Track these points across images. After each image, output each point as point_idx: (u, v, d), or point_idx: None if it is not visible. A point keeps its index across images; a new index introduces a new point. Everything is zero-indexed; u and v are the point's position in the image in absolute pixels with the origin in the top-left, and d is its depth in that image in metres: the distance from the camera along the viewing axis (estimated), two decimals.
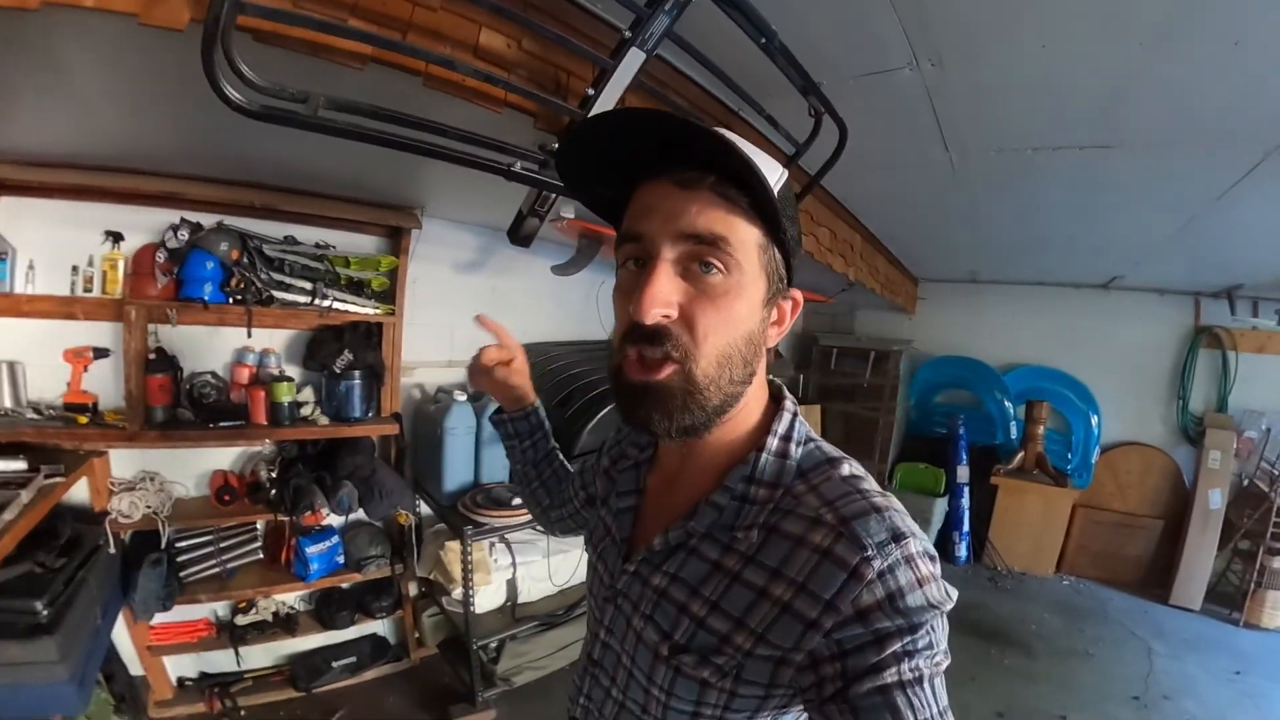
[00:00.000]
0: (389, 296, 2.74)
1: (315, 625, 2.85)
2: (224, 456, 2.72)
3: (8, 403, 2.17)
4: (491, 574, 2.82)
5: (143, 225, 2.35)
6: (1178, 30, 1.34)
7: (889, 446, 4.98)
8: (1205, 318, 4.38)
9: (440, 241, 3.01)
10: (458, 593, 2.71)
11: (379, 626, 3.06)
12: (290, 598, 2.89)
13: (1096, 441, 4.63)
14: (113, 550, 2.28)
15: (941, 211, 3.08)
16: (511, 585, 2.91)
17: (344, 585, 2.85)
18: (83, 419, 2.24)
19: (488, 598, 2.83)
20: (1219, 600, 4.09)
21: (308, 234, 2.64)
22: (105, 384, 2.38)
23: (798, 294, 0.71)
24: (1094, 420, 4.63)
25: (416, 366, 3.06)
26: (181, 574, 2.51)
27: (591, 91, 1.25)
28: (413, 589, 3.04)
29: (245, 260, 2.41)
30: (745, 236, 0.63)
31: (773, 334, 0.70)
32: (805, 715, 0.69)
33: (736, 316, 0.64)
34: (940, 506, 4.54)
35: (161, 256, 2.28)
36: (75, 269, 2.28)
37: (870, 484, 0.67)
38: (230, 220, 2.44)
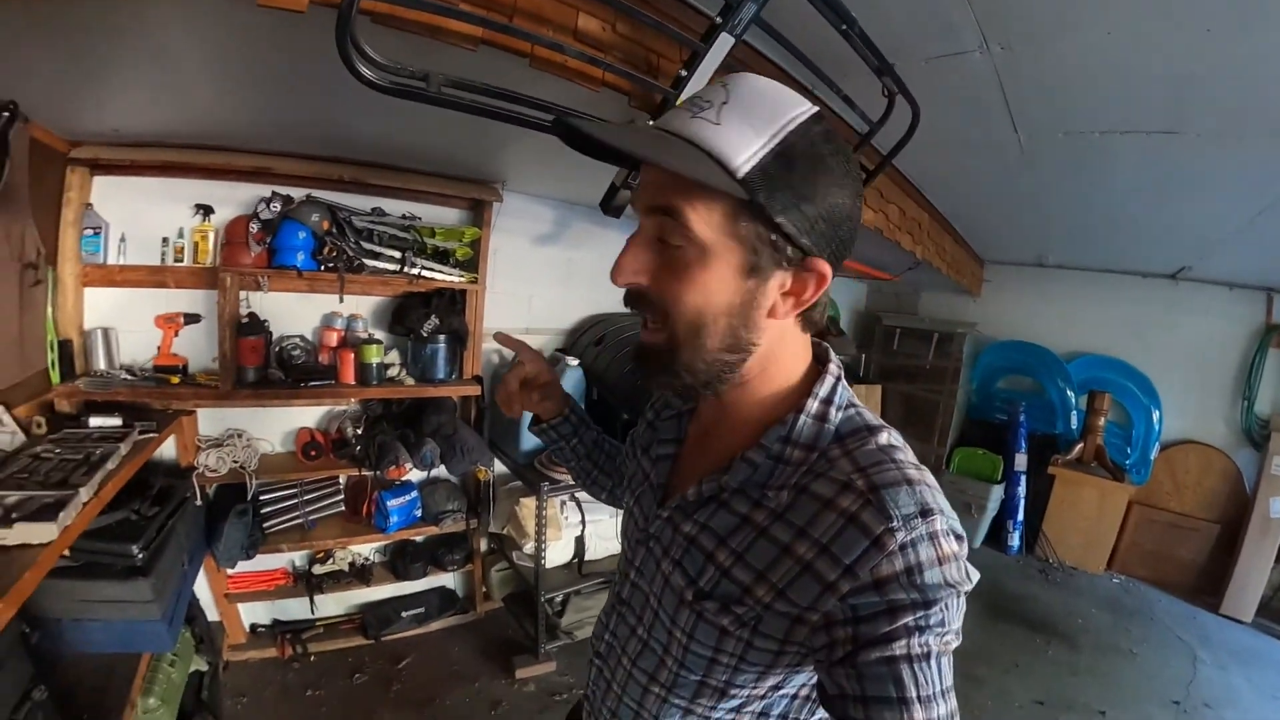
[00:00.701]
0: (472, 265, 2.89)
1: (389, 576, 3.04)
2: (310, 415, 2.91)
3: (102, 365, 2.32)
4: (562, 530, 2.98)
5: (232, 199, 2.49)
6: (1247, 18, 1.37)
7: (949, 430, 4.96)
8: (1278, 315, 4.22)
9: (520, 214, 3.15)
10: (529, 547, 2.87)
11: (448, 579, 3.26)
12: (366, 549, 3.09)
13: (1157, 437, 4.53)
14: (199, 502, 2.48)
15: (1009, 192, 3.10)
16: (580, 542, 3.06)
17: (418, 538, 3.05)
18: (174, 379, 2.40)
19: (556, 553, 2.98)
20: (1273, 615, 3.96)
21: (395, 206, 2.79)
22: (195, 348, 2.54)
23: (823, 266, 0.65)
24: (1155, 415, 4.53)
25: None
26: (265, 525, 2.71)
27: (685, 73, 1.35)
28: (483, 544, 3.21)
29: (335, 230, 2.55)
30: (704, 209, 0.61)
31: (784, 306, 0.67)
32: (815, 677, 0.72)
33: (701, 286, 0.64)
34: (996, 494, 4.52)
35: (255, 227, 2.42)
36: (165, 240, 2.43)
37: (907, 455, 0.67)
38: (319, 193, 2.57)
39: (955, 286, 4.78)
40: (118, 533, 1.88)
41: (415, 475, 2.99)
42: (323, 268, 2.55)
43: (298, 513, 2.79)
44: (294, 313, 2.75)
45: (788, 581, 0.64)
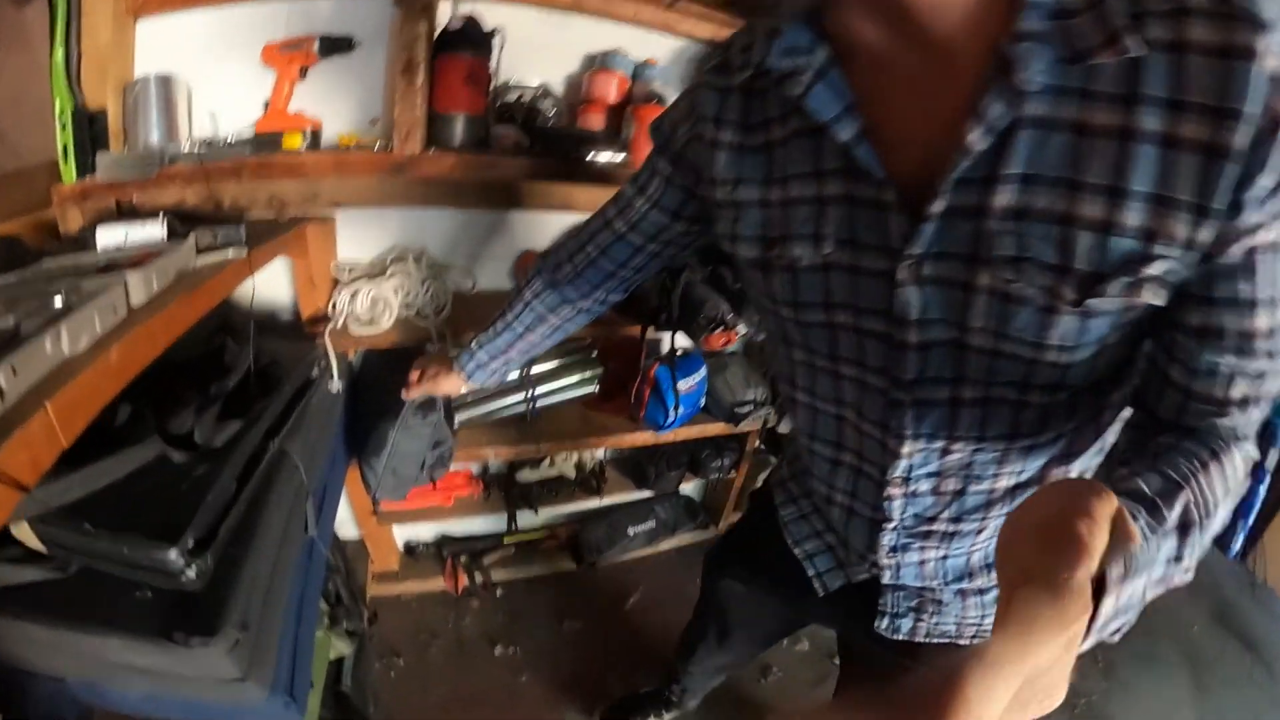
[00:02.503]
0: None
1: (625, 483, 1.84)
2: (541, 230, 1.45)
3: (154, 138, 1.07)
4: None
5: None
6: None
7: None
8: None
9: None
10: None
11: (689, 485, 2.06)
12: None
13: None
14: (336, 385, 1.20)
15: None
16: None
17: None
18: (295, 142, 1.13)
19: None
20: None
21: None
22: (337, 102, 1.21)
23: None
24: None
25: None
26: (455, 415, 1.41)
27: None
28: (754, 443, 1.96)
29: None
30: None
31: None
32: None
33: None
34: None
35: None
36: None
37: None
38: None
39: None
40: (131, 510, 0.70)
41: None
42: None
43: (520, 396, 1.45)
44: (535, 44, 1.35)
45: (1199, 185, 0.38)
